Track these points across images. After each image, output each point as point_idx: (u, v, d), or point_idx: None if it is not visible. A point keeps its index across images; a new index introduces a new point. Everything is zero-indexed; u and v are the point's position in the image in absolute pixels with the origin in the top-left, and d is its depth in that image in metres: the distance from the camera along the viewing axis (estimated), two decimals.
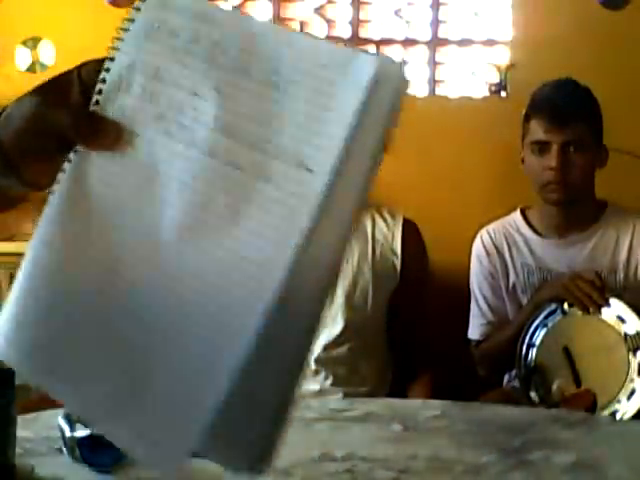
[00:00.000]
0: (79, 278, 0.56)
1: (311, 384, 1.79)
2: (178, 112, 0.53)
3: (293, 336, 0.49)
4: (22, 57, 2.59)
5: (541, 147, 1.87)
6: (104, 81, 0.56)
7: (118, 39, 0.56)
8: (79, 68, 0.58)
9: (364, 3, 2.73)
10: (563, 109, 1.86)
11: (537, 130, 1.87)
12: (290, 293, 0.46)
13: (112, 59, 0.56)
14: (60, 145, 0.56)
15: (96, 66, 0.57)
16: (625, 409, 1.73)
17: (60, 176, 0.56)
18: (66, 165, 0.56)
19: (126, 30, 0.56)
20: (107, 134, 0.55)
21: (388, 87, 0.47)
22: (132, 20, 0.56)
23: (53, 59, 2.58)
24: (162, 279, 0.51)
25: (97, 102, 0.55)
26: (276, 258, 0.47)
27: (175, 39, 0.54)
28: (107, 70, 0.56)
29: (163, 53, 0.55)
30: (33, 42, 2.58)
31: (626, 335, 1.75)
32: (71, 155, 0.56)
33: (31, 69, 2.58)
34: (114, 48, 0.56)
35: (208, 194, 0.51)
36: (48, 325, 0.55)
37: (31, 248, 0.57)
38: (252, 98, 0.51)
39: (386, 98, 0.47)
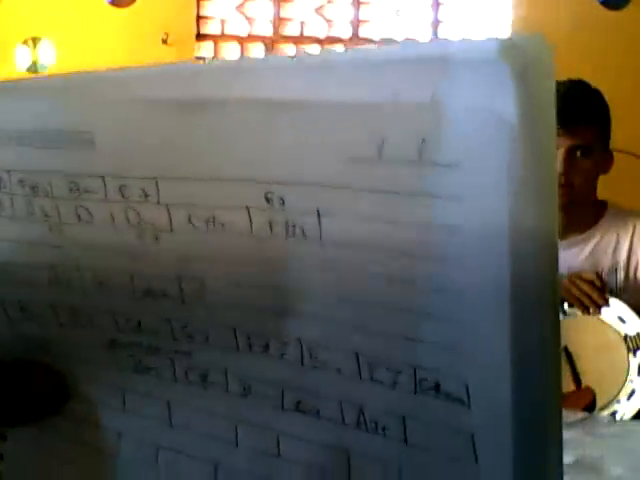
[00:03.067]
0: None
1: None
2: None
3: None
4: (22, 57, 2.59)
5: None
6: None
7: None
8: None
9: (364, 3, 2.73)
10: (573, 113, 1.81)
11: None
12: None
13: None
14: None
15: None
16: (625, 409, 1.73)
17: None
18: None
19: None
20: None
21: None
22: None
23: (53, 59, 2.58)
24: None
25: None
26: None
27: None
28: None
29: None
30: (33, 42, 2.58)
31: (626, 335, 1.75)
32: None
33: (31, 69, 2.59)
34: None
35: None
36: None
37: None
38: None
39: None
